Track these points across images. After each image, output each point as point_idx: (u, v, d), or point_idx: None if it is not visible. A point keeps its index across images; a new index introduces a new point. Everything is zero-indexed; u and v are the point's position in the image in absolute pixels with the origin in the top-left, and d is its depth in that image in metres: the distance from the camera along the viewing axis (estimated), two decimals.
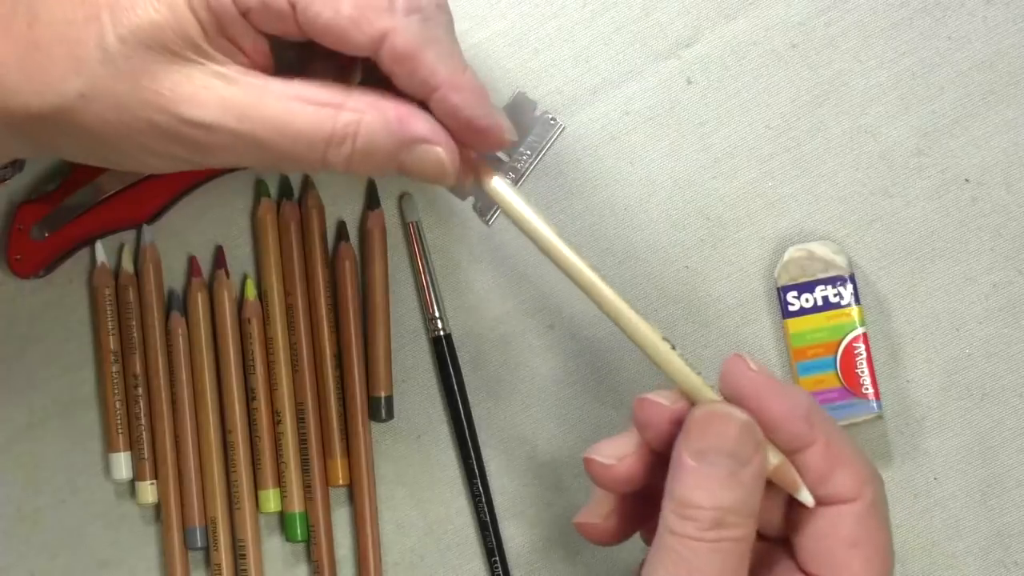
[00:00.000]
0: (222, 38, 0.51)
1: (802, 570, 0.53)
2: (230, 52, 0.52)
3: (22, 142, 0.54)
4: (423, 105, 0.53)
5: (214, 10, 0.51)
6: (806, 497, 0.52)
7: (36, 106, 0.51)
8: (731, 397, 0.52)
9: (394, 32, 0.51)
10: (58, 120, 0.51)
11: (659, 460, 0.53)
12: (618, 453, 0.54)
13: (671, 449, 0.52)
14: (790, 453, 0.52)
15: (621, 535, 0.56)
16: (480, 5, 0.64)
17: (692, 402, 0.53)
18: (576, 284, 0.54)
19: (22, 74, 0.51)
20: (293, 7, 0.51)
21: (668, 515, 0.51)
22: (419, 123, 0.53)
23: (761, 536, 0.54)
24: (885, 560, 0.53)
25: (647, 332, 0.54)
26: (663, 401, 0.53)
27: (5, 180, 0.63)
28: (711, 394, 0.53)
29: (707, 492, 0.50)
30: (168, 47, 0.51)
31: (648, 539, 0.56)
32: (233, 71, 0.52)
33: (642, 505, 0.56)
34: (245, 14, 0.51)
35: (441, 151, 0.53)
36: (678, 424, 0.53)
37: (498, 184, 0.55)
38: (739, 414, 0.51)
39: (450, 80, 0.52)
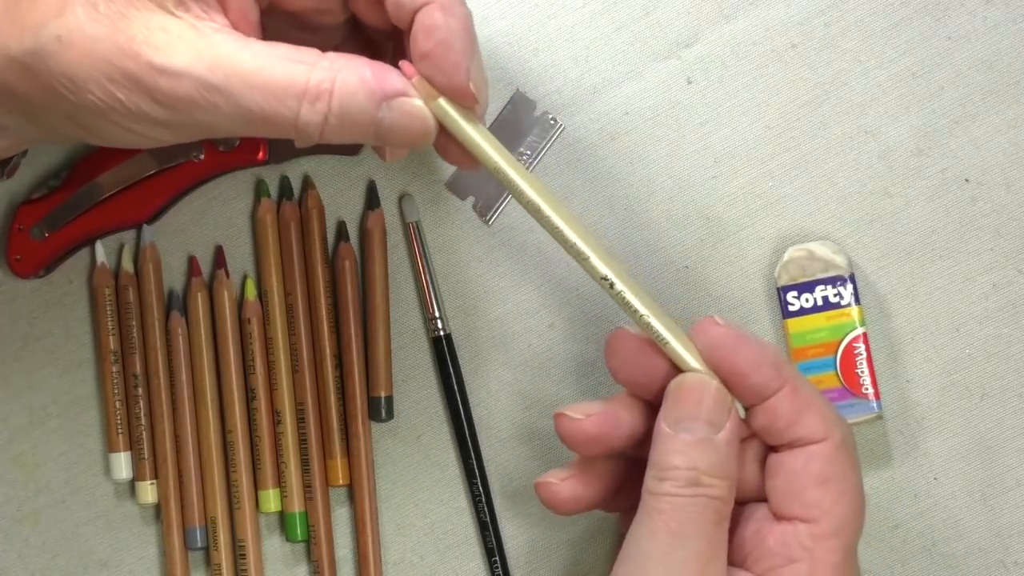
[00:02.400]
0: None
1: (777, 515, 0.54)
2: (212, 10, 0.52)
3: (2, 113, 0.53)
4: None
5: None
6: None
7: (16, 50, 0.51)
8: (705, 351, 0.54)
9: None
10: (33, 69, 0.51)
11: (625, 421, 0.56)
12: (587, 410, 0.56)
13: (639, 398, 0.56)
14: (761, 400, 0.54)
15: (576, 504, 0.58)
16: (480, 5, 0.64)
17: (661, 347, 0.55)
18: (528, 211, 0.54)
19: (5, 18, 0.51)
20: None
21: (648, 481, 0.53)
22: (396, 78, 0.52)
23: (740, 501, 0.55)
24: (856, 497, 0.54)
25: (608, 267, 0.55)
26: (632, 330, 0.56)
27: None
28: (692, 362, 0.55)
29: (683, 455, 0.53)
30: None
31: (621, 531, 0.57)
32: (210, 27, 0.51)
33: (605, 479, 0.57)
34: None
35: (420, 103, 0.52)
36: (644, 352, 0.55)
37: (445, 105, 0.53)
38: (711, 382, 0.54)
39: (442, 1, 0.52)
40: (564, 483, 0.57)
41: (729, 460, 0.53)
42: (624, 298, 0.55)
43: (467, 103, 0.53)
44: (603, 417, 0.56)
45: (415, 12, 0.52)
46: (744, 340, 0.54)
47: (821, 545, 0.53)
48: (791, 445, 0.54)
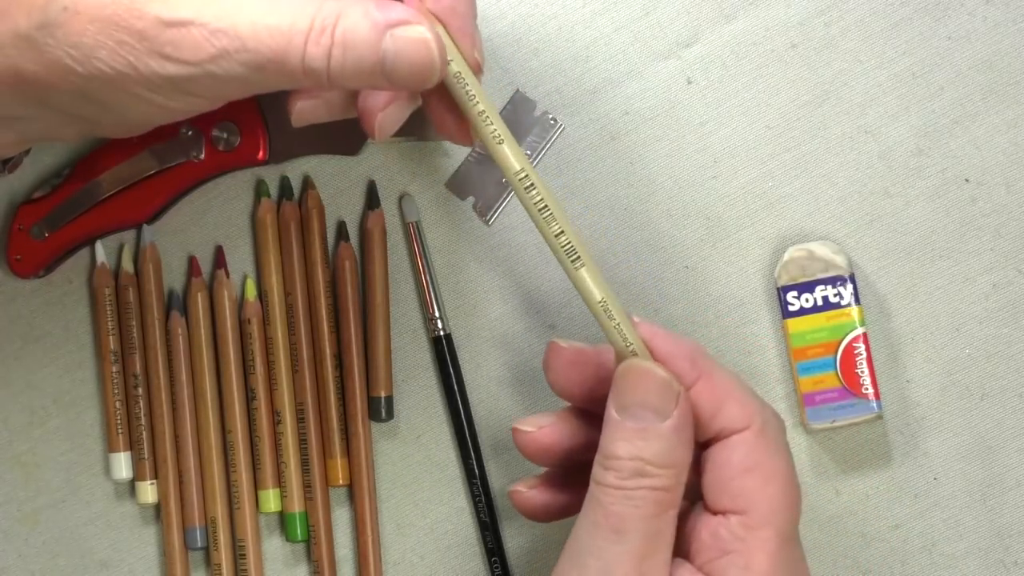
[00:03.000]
0: None
1: (711, 510, 0.54)
2: None
3: (9, 97, 0.53)
4: None
5: None
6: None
7: (24, 27, 0.51)
8: None
9: None
10: (41, 44, 0.51)
11: (577, 431, 0.56)
12: (538, 423, 0.57)
13: (586, 411, 0.56)
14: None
15: (546, 511, 0.58)
16: (480, 5, 0.64)
17: (617, 352, 0.55)
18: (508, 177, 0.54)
19: (13, 2, 0.51)
20: None
21: (595, 467, 0.53)
22: (399, 8, 0.52)
23: (685, 498, 0.55)
24: (784, 485, 0.54)
25: (575, 244, 0.54)
26: (563, 344, 0.56)
27: None
28: (632, 343, 0.55)
29: (627, 443, 0.52)
30: None
31: None
32: None
33: (574, 487, 0.57)
34: None
35: (424, 29, 0.51)
36: (578, 366, 0.56)
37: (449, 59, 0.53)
38: (659, 370, 0.53)
39: None
40: (532, 491, 0.58)
41: (676, 449, 0.53)
42: (581, 276, 0.54)
43: (472, 70, 0.54)
44: (554, 428, 0.57)
45: None
46: (658, 334, 0.54)
47: (753, 535, 0.53)
48: (716, 437, 0.54)
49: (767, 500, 0.53)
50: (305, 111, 0.56)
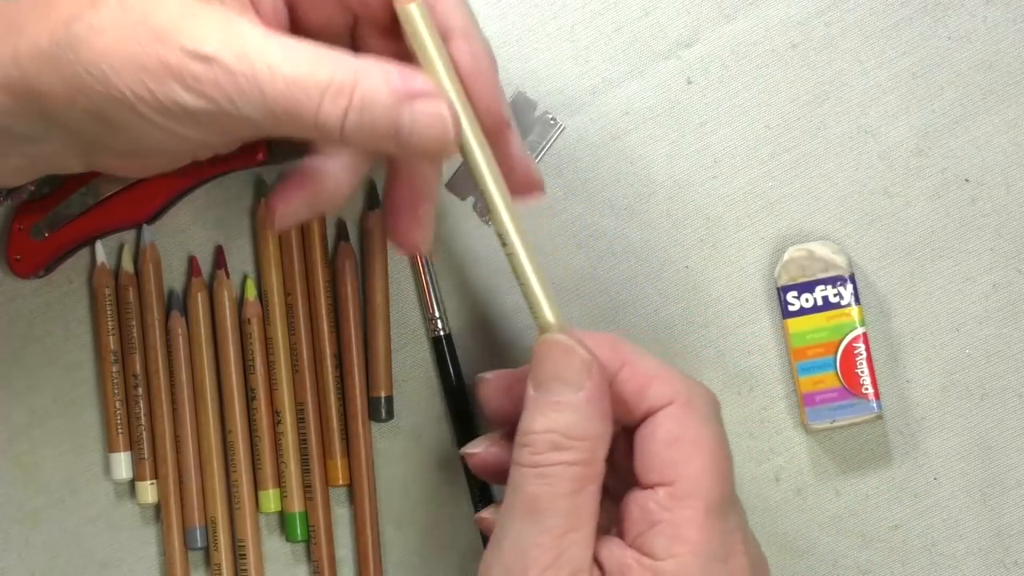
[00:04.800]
0: None
1: (642, 486, 0.54)
2: (245, 9, 0.52)
3: (20, 114, 0.53)
4: None
5: None
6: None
7: (46, 42, 0.51)
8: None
9: None
10: (62, 60, 0.51)
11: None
12: (483, 444, 0.58)
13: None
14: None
15: (503, 471, 0.57)
16: (480, 5, 0.64)
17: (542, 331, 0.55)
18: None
19: (34, 13, 0.51)
20: None
21: (514, 449, 0.53)
22: (420, 79, 0.52)
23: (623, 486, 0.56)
24: (711, 455, 0.54)
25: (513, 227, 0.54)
26: (488, 375, 0.57)
27: None
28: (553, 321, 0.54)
29: (542, 417, 0.53)
30: None
31: None
32: (241, 19, 0.51)
33: None
34: None
35: (443, 106, 0.51)
36: (506, 391, 0.57)
37: (415, 11, 0.53)
38: (571, 342, 0.53)
39: (464, 30, 0.53)
40: (489, 450, 0.58)
41: (590, 421, 0.53)
42: (514, 260, 0.54)
43: (500, 127, 0.54)
44: (498, 447, 0.57)
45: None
46: (583, 333, 0.55)
47: (680, 505, 0.53)
48: (645, 418, 0.55)
49: (693, 470, 0.53)
50: (287, 216, 0.56)
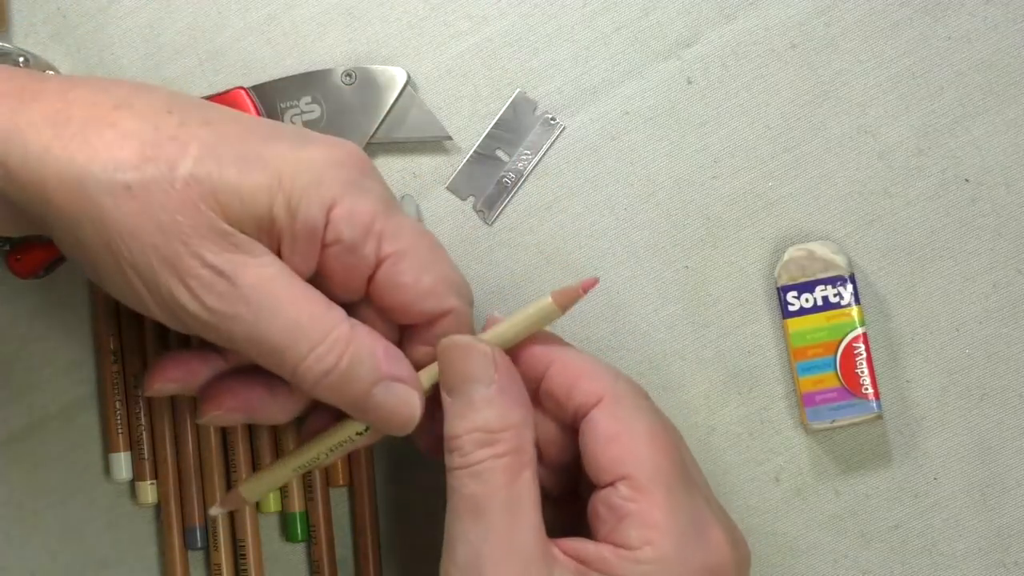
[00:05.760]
0: (281, 242, 0.52)
1: (599, 486, 0.55)
2: (274, 249, 0.53)
3: (21, 213, 0.53)
4: None
5: (298, 227, 0.52)
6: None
7: (77, 169, 0.50)
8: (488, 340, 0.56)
9: (453, 312, 0.55)
10: (93, 194, 0.51)
11: None
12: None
13: None
14: (535, 381, 0.56)
15: None
16: (480, 5, 0.64)
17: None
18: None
19: (46, 124, 0.51)
20: (379, 262, 0.54)
21: (445, 455, 0.54)
22: (403, 363, 0.54)
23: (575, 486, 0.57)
24: (651, 440, 0.55)
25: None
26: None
27: None
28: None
29: (461, 420, 0.54)
30: (228, 212, 0.51)
31: None
32: (264, 252, 0.52)
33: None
34: (327, 245, 0.53)
35: (416, 398, 0.54)
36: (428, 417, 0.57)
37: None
38: (469, 340, 0.55)
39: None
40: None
41: (507, 409, 0.54)
42: None
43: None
44: None
45: (435, 320, 0.56)
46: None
47: (642, 494, 0.54)
48: (577, 414, 0.55)
49: (642, 460, 0.54)
50: (160, 391, 0.57)
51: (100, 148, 0.51)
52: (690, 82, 0.64)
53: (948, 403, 0.64)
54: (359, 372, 0.53)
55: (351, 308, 0.55)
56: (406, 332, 0.57)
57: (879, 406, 0.62)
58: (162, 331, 0.64)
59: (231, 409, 0.57)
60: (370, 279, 0.54)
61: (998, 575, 0.64)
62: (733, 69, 0.64)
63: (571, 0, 0.64)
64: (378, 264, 0.54)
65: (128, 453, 0.65)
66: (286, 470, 0.58)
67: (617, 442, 0.54)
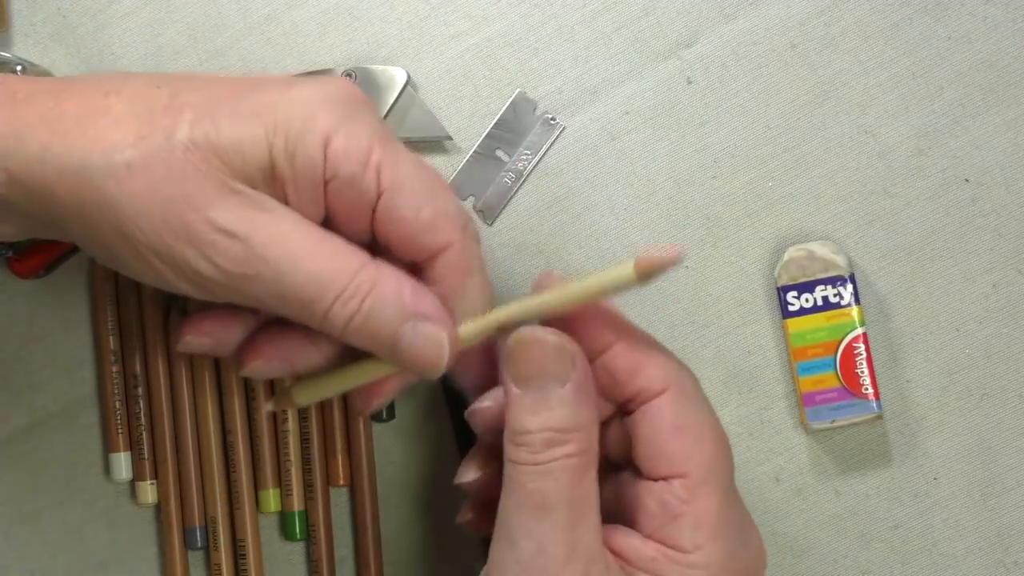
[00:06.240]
0: (285, 189, 0.52)
1: (650, 478, 0.54)
2: (281, 198, 0.53)
3: (27, 216, 0.53)
4: None
5: (297, 168, 0.52)
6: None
7: (76, 159, 0.51)
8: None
9: (456, 245, 0.54)
10: (98, 181, 0.51)
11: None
12: (471, 472, 0.57)
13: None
14: (595, 354, 0.54)
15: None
16: (480, 5, 0.64)
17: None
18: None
19: (42, 124, 0.51)
20: (379, 195, 0.53)
21: (507, 447, 0.53)
22: (429, 301, 0.53)
23: (618, 466, 0.56)
24: (715, 437, 0.54)
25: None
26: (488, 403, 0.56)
27: None
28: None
29: (533, 416, 0.52)
30: (231, 170, 0.51)
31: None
32: (274, 202, 0.52)
33: None
34: (327, 181, 0.52)
35: (445, 336, 0.53)
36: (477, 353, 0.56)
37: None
38: (549, 336, 0.53)
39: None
40: (478, 478, 0.58)
41: (581, 410, 0.53)
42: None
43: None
44: (485, 471, 0.57)
45: (436, 254, 0.54)
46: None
47: (697, 495, 0.53)
48: (636, 398, 0.54)
49: (703, 459, 0.53)
50: (192, 344, 0.57)
51: (96, 135, 0.51)
52: (690, 82, 0.64)
53: (948, 403, 0.64)
54: (385, 312, 0.52)
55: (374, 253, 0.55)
56: (416, 276, 0.56)
57: (879, 406, 0.62)
58: (163, 331, 0.64)
59: (271, 358, 0.56)
60: (373, 214, 0.54)
61: (998, 575, 0.64)
62: (733, 69, 0.64)
63: (571, 0, 0.64)
64: (378, 197, 0.53)
65: (128, 453, 0.65)
66: (338, 383, 0.56)
67: (683, 438, 0.54)
